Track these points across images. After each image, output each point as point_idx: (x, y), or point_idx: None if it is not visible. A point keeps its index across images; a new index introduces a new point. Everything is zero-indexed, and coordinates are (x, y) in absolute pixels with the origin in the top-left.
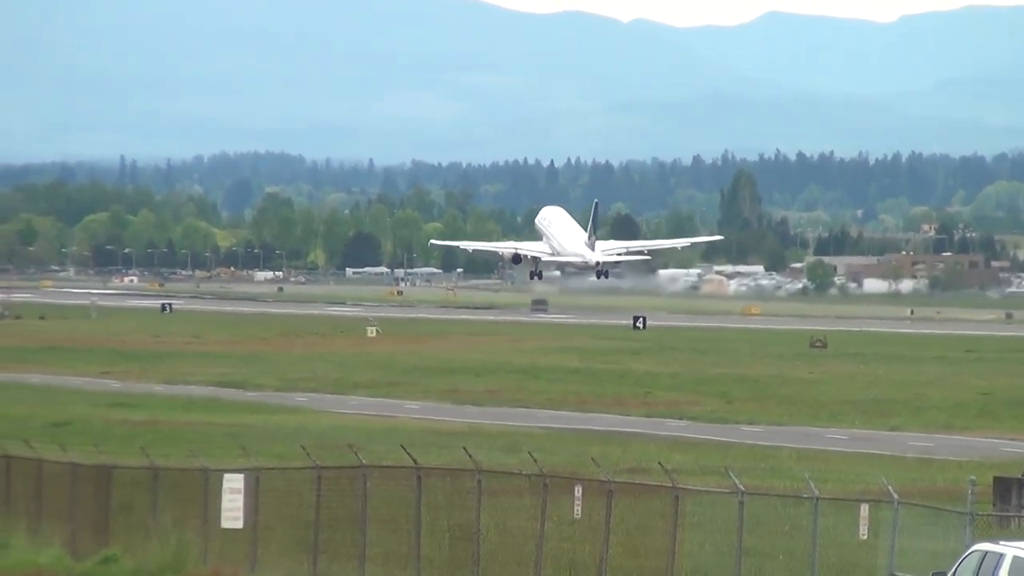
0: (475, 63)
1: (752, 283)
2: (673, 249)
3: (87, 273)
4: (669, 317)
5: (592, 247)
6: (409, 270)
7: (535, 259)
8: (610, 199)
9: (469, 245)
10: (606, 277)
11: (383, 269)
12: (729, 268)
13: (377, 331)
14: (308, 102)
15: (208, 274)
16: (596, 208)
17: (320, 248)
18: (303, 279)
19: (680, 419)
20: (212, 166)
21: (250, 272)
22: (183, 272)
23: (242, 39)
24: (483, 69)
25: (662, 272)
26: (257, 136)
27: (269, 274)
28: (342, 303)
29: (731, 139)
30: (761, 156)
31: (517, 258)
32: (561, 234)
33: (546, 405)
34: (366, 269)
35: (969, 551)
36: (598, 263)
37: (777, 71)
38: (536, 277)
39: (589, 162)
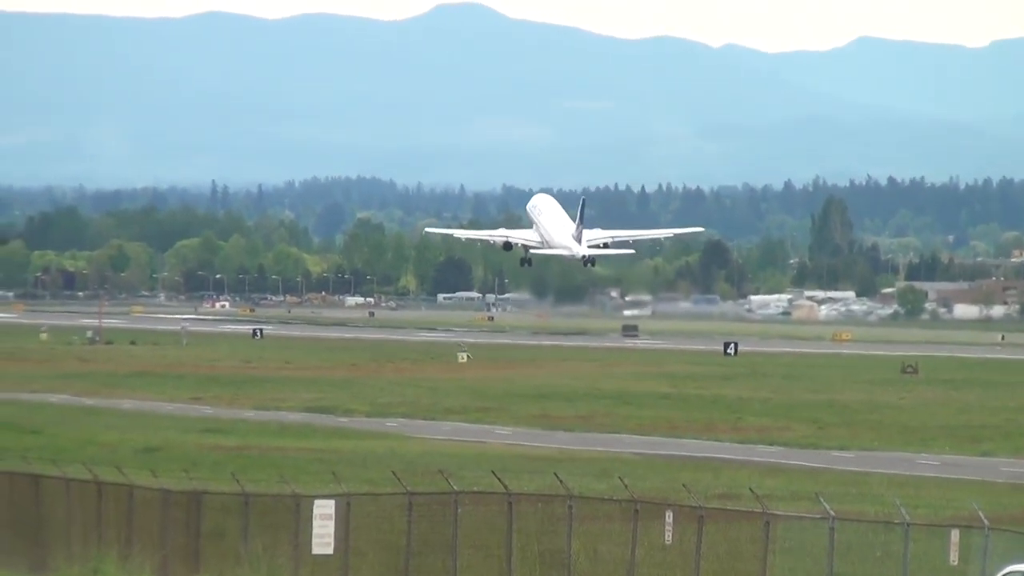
0: (566, 88)
1: (843, 309)
2: (657, 240)
3: (178, 299)
4: (760, 342)
5: (579, 240)
6: (500, 295)
7: (525, 247)
8: (701, 224)
9: (463, 234)
10: (592, 265)
11: (474, 294)
12: (820, 294)
13: (468, 357)
14: (400, 127)
15: (299, 299)
16: (583, 204)
17: (411, 273)
18: (394, 304)
19: (771, 445)
20: (304, 191)
21: (341, 297)
22: (274, 298)
23: (333, 65)
24: (574, 94)
25: (753, 298)
26: (349, 161)
27: (360, 299)
28: (433, 329)
29: (822, 164)
30: (852, 181)
31: (508, 245)
32: (551, 224)
33: (637, 431)
34: (457, 294)
35: (1003, 572)
36: (584, 256)
37: (868, 96)
38: (527, 264)
39: (680, 187)
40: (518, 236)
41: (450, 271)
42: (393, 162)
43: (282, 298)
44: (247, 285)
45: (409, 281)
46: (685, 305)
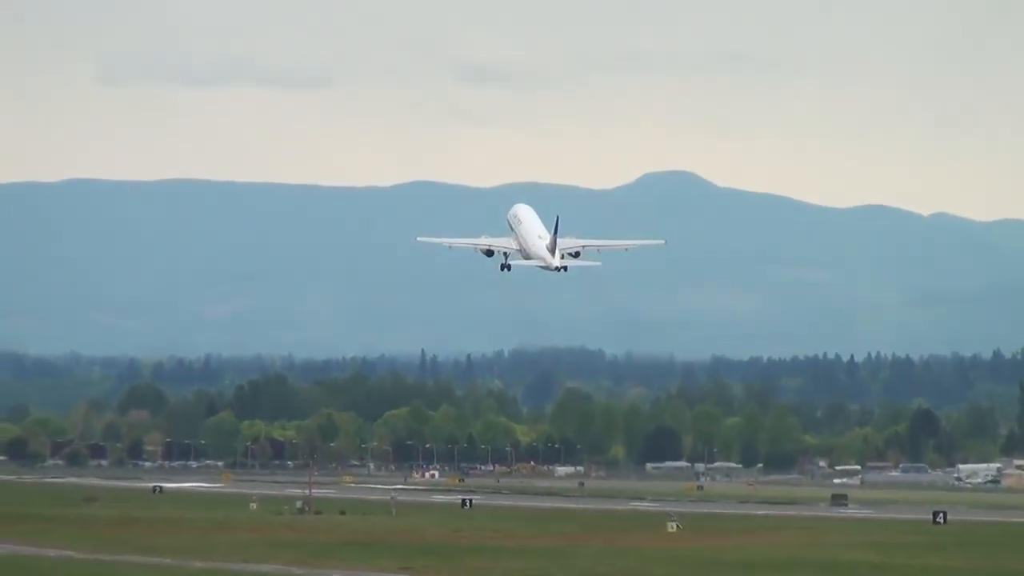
0: (775, 256)
1: None
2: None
3: (387, 468)
4: (970, 511)
5: (553, 251)
6: (709, 464)
7: (505, 253)
8: (910, 394)
9: (450, 242)
10: (565, 270)
11: (683, 463)
12: None
13: (678, 526)
14: (608, 296)
15: (508, 469)
16: (557, 222)
17: (620, 443)
18: (603, 474)
19: None
20: (512, 361)
21: (550, 467)
22: (483, 467)
23: None
24: (782, 262)
25: (962, 467)
26: (557, 331)
27: (570, 469)
28: (642, 498)
29: None
30: None
31: (489, 252)
32: (528, 235)
33: None
34: (666, 463)
35: None
36: (558, 267)
37: None
38: (506, 269)
39: (889, 356)
40: (498, 244)
41: (659, 440)
42: (602, 331)
43: (491, 468)
44: (456, 455)
45: (618, 450)
46: (894, 474)
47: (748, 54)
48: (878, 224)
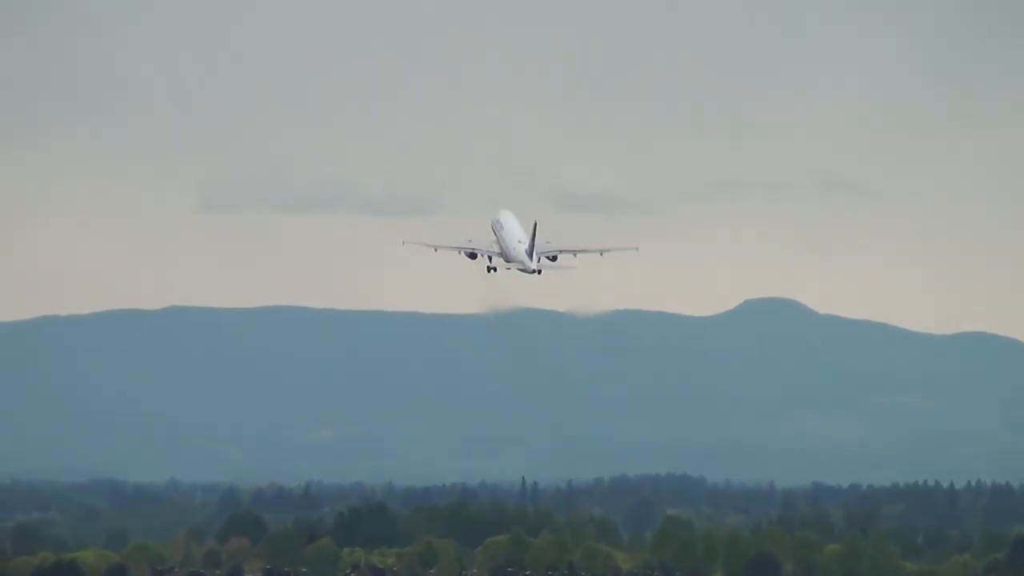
0: (876, 383)
1: None
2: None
3: None
4: None
5: (531, 255)
6: None
7: (489, 256)
8: (1011, 521)
9: (436, 244)
10: (539, 273)
11: None
12: None
13: None
14: (708, 423)
15: None
16: (535, 227)
17: (720, 569)
18: None
19: None
20: (612, 488)
21: None
22: None
23: (639, 360)
24: (884, 389)
25: None
26: (657, 458)
27: None
28: None
29: None
30: None
31: (473, 255)
32: (509, 240)
33: None
34: None
35: None
36: (535, 270)
37: None
38: (492, 271)
39: (989, 483)
40: (481, 247)
41: (759, 567)
42: (702, 458)
43: None
44: None
45: None
46: None
47: (849, 180)
48: (978, 351)
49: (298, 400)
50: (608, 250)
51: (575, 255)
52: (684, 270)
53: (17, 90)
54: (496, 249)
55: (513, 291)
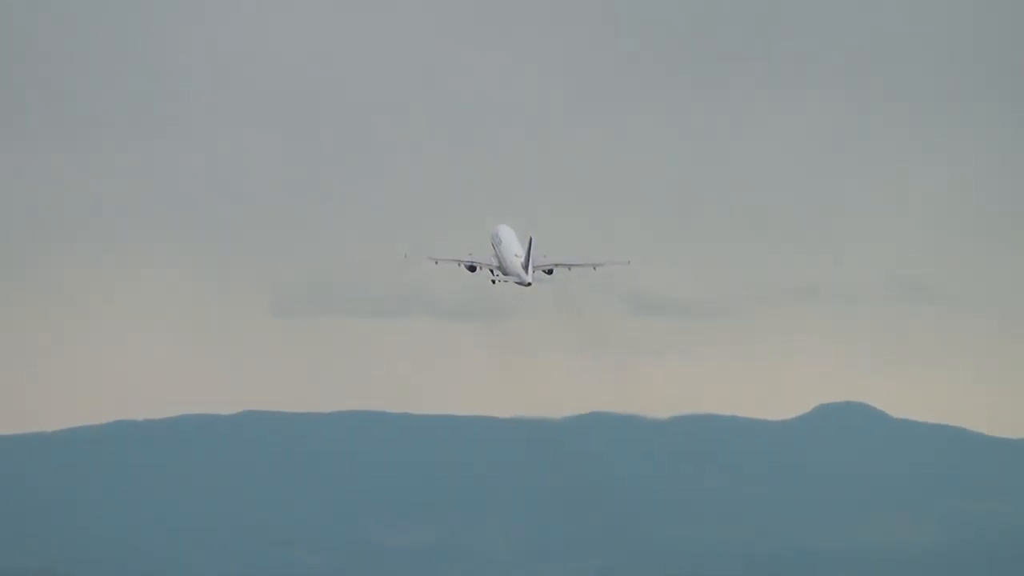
0: (953, 488)
1: None
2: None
3: None
4: None
5: (526, 269)
6: None
7: (491, 269)
8: None
9: (437, 258)
10: (529, 285)
11: None
12: None
13: None
14: (782, 529)
15: None
16: (531, 242)
17: None
18: None
19: None
20: None
21: None
22: None
23: (706, 465)
24: (961, 494)
25: None
26: (733, 562)
27: None
28: None
29: None
30: None
31: (472, 268)
32: (508, 253)
33: None
34: None
35: None
36: (529, 283)
37: None
38: (494, 282)
39: None
40: (482, 261)
41: None
42: (778, 564)
43: None
44: None
45: None
46: None
47: (924, 285)
48: None
49: (376, 503)
50: (601, 264)
51: (570, 269)
52: (758, 373)
53: (94, 200)
54: (495, 262)
55: (588, 394)
